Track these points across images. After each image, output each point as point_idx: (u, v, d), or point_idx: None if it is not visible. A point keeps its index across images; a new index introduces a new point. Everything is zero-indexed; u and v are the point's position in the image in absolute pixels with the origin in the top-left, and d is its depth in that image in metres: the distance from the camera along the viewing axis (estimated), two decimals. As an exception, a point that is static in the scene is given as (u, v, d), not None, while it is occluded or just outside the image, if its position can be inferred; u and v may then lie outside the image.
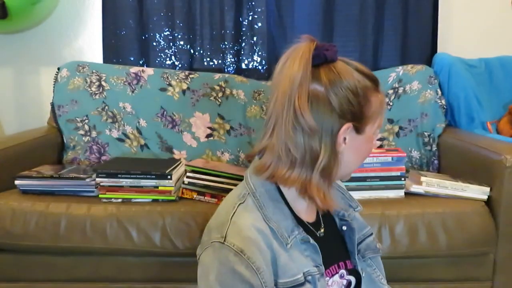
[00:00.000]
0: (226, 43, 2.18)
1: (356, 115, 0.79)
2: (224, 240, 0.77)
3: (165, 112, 1.96)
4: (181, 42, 2.19)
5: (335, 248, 0.91)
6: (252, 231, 0.77)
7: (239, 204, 0.81)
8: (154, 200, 1.53)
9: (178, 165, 1.65)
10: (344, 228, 0.94)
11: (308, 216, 0.89)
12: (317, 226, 0.89)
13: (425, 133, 1.96)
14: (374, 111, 0.81)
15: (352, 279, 0.92)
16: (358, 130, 0.80)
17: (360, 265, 0.92)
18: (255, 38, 2.19)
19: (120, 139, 1.96)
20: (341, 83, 0.77)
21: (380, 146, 1.96)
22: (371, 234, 0.98)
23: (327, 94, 0.76)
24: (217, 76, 2.02)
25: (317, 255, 0.83)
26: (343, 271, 0.90)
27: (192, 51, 2.20)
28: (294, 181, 0.80)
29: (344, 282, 0.90)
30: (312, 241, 0.83)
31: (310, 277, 0.80)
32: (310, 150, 0.77)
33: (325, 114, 0.76)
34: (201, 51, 2.20)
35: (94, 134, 1.95)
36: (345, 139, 0.80)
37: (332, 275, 0.88)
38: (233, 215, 0.80)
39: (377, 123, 0.83)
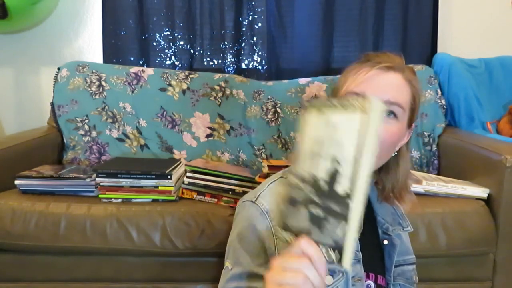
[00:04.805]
0: (226, 43, 2.18)
1: None
2: (255, 200, 0.80)
3: (165, 112, 1.96)
4: (181, 42, 2.19)
5: (369, 256, 0.87)
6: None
7: (280, 177, 0.84)
8: (154, 200, 1.53)
9: (178, 165, 1.65)
10: (386, 242, 0.91)
11: None
12: None
13: (425, 133, 1.96)
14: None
15: None
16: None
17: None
18: (255, 38, 2.18)
19: (120, 139, 1.96)
20: None
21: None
22: (413, 263, 0.95)
23: None
24: (217, 76, 2.02)
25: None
26: (370, 282, 0.88)
27: (192, 51, 2.20)
28: None
29: None
30: None
31: None
32: None
33: None
34: (201, 51, 2.20)
35: (94, 134, 1.95)
36: None
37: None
38: (271, 183, 0.83)
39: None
